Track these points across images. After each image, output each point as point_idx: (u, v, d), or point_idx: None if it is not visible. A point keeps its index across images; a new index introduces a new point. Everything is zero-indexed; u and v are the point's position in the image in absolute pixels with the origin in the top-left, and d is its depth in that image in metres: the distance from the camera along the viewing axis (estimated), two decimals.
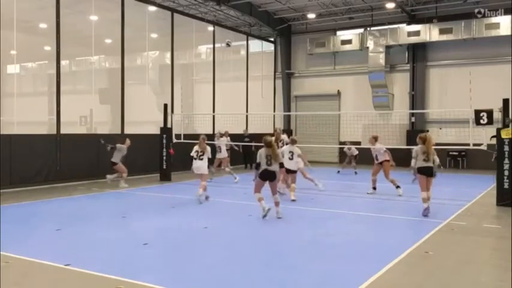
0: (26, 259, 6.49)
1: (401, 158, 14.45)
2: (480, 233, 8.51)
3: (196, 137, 17.80)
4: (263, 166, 9.48)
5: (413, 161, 9.98)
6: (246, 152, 20.78)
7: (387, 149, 13.13)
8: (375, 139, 13.12)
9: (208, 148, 11.65)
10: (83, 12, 16.79)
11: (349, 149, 19.06)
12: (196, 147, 11.77)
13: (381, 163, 12.91)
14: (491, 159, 12.59)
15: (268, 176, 9.54)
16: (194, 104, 21.93)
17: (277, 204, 9.58)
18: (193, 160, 11.66)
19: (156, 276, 5.79)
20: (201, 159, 11.61)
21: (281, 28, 25.22)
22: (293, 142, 12.45)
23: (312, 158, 24.65)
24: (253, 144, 19.67)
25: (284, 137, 16.60)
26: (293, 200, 11.70)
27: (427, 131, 22.03)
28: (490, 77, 20.22)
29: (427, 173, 9.85)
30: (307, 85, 25.81)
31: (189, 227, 8.99)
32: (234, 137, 18.64)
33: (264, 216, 9.39)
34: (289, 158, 11.96)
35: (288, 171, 12.06)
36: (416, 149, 9.99)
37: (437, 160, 10.23)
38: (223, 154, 16.22)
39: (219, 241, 7.82)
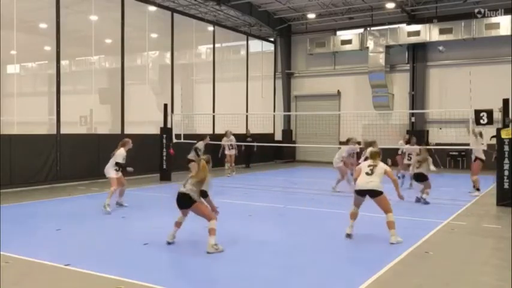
0: (26, 259, 6.49)
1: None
2: (480, 233, 8.51)
3: (196, 137, 17.98)
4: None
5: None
6: (248, 152, 21.09)
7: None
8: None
9: None
10: (83, 12, 16.76)
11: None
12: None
13: (474, 160, 13.21)
14: (491, 159, 12.58)
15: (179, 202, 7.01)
16: (194, 104, 21.91)
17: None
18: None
19: (156, 276, 5.79)
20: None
21: (281, 28, 25.20)
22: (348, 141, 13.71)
23: (312, 158, 24.76)
24: (255, 144, 19.86)
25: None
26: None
27: (427, 131, 22.18)
28: (490, 77, 20.18)
29: None
30: (307, 85, 25.79)
31: (189, 227, 8.98)
32: (235, 137, 18.77)
33: None
34: (367, 173, 7.62)
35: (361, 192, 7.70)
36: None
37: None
38: (232, 151, 18.43)
39: (218, 241, 7.80)
